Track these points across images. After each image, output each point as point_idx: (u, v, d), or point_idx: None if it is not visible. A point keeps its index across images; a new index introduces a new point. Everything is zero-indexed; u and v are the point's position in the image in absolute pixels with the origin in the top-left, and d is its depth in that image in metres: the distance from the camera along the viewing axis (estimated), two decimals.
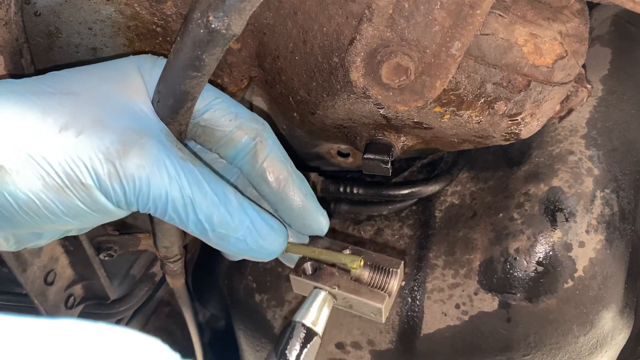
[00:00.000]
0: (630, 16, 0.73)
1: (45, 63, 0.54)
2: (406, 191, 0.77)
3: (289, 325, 0.47)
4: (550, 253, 0.65)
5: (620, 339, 0.70)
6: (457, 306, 0.70)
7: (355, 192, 0.78)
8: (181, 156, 0.42)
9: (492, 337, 0.68)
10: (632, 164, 0.69)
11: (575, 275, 0.65)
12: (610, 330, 0.68)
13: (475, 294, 0.69)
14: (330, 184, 0.78)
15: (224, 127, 0.48)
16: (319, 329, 0.47)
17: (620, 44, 0.73)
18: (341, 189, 0.78)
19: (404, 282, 0.52)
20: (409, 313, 0.72)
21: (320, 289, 0.49)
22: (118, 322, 0.86)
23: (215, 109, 0.48)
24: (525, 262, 0.66)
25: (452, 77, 0.47)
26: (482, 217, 0.72)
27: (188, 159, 0.42)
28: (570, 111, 0.62)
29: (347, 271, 0.50)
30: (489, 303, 0.68)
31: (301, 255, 0.51)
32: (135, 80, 0.45)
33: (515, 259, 0.67)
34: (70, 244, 0.68)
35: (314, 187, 0.79)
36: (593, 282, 0.65)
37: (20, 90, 0.40)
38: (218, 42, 0.39)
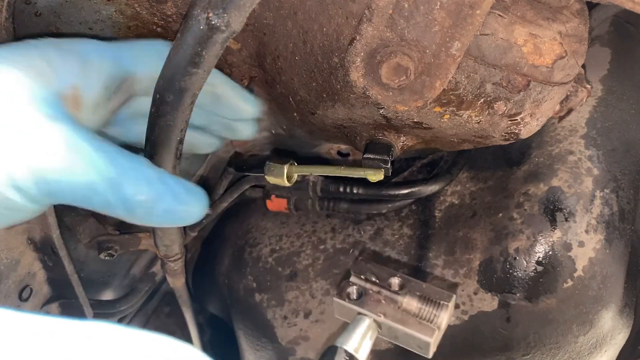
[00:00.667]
0: (630, 16, 0.73)
1: None
2: (406, 191, 0.77)
3: (330, 349, 0.44)
4: (550, 253, 0.66)
5: (619, 339, 0.70)
6: (457, 306, 0.70)
7: (355, 191, 0.78)
8: (91, 135, 0.37)
9: (491, 336, 0.68)
10: (632, 164, 0.69)
11: (575, 275, 0.65)
12: (610, 329, 0.68)
13: (475, 293, 0.69)
14: (330, 184, 0.79)
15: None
16: (361, 357, 0.44)
17: (620, 44, 0.73)
18: (341, 189, 0.78)
19: (454, 318, 0.50)
20: None
21: (365, 315, 0.47)
22: (119, 321, 0.87)
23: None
24: (524, 262, 0.66)
25: (452, 77, 0.47)
26: (482, 217, 0.72)
27: (97, 137, 0.38)
28: (569, 111, 0.62)
29: (395, 301, 0.47)
30: (488, 303, 0.68)
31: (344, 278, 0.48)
32: (35, 63, 0.38)
33: (514, 258, 0.67)
34: (49, 259, 0.64)
35: (314, 187, 0.79)
36: (593, 282, 0.65)
37: None
38: (218, 39, 0.39)
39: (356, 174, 0.47)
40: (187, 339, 0.95)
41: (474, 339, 0.69)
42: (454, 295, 0.48)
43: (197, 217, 0.43)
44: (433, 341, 0.46)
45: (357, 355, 0.44)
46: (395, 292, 0.49)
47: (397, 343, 0.48)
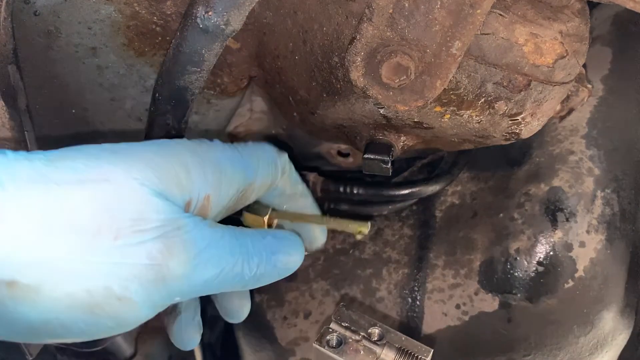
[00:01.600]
0: (631, 16, 0.73)
1: (44, 63, 0.54)
2: (406, 191, 0.76)
3: None
4: (551, 253, 0.65)
5: (620, 339, 0.70)
6: (458, 306, 0.70)
7: (355, 192, 0.78)
8: (211, 224, 0.39)
9: (492, 337, 0.68)
10: (633, 164, 0.69)
11: (576, 275, 0.65)
12: (611, 330, 0.68)
13: (476, 294, 0.69)
14: (330, 184, 0.78)
15: (290, 190, 0.49)
16: None
17: (621, 43, 0.72)
18: (341, 189, 0.78)
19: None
20: (409, 313, 0.72)
21: None
22: None
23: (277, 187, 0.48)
24: (525, 262, 0.66)
25: (453, 76, 0.47)
26: (483, 217, 0.72)
27: (218, 228, 0.40)
28: (570, 111, 0.62)
29: (373, 352, 0.48)
30: (489, 303, 0.68)
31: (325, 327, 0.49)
32: (177, 170, 0.39)
33: (515, 259, 0.67)
34: None
35: (313, 187, 0.79)
36: (594, 282, 0.65)
37: (39, 178, 0.33)
38: (217, 38, 0.39)
39: (340, 228, 0.47)
40: None
41: (475, 340, 0.69)
42: (432, 350, 0.48)
43: (298, 264, 0.45)
44: None
45: None
46: (374, 343, 0.49)
47: None
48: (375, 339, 0.49)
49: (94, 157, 0.36)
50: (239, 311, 0.51)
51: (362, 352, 0.47)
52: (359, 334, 0.49)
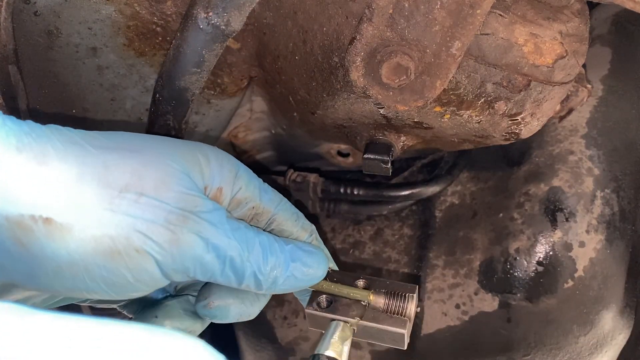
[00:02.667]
0: (631, 16, 0.73)
1: (44, 63, 0.54)
2: (406, 192, 0.76)
3: (313, 357, 0.46)
4: (551, 253, 0.65)
5: (620, 339, 0.70)
6: (457, 306, 0.70)
7: (355, 193, 0.78)
8: (229, 215, 0.42)
9: (492, 337, 0.68)
10: (633, 164, 0.69)
11: (576, 275, 0.65)
12: (611, 330, 0.68)
13: (476, 294, 0.69)
14: (331, 185, 0.78)
15: (291, 228, 0.49)
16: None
17: (621, 43, 0.72)
18: (341, 190, 0.78)
19: (419, 309, 0.51)
20: None
21: (339, 320, 0.48)
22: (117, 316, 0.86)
23: (281, 213, 0.48)
24: (525, 262, 0.66)
25: (452, 76, 0.47)
26: (483, 217, 0.72)
27: (234, 220, 0.43)
28: (570, 111, 0.62)
29: (363, 302, 0.49)
30: (489, 303, 0.68)
31: (312, 290, 0.50)
32: (200, 158, 0.43)
33: (515, 259, 0.67)
34: None
35: (314, 188, 0.79)
36: (593, 282, 0.65)
37: (81, 142, 0.38)
38: (218, 38, 0.39)
39: (345, 294, 0.49)
40: None
41: (475, 340, 0.69)
42: (417, 286, 0.50)
43: (319, 278, 0.47)
44: (406, 332, 0.48)
45: (340, 359, 0.46)
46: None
47: (372, 341, 0.50)
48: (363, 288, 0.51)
49: (126, 136, 0.41)
50: (245, 316, 0.51)
51: (352, 305, 0.49)
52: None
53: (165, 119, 0.49)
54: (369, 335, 0.49)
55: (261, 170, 0.85)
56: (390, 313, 0.49)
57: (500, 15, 0.46)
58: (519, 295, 0.66)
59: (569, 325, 0.66)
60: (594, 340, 0.68)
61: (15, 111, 0.52)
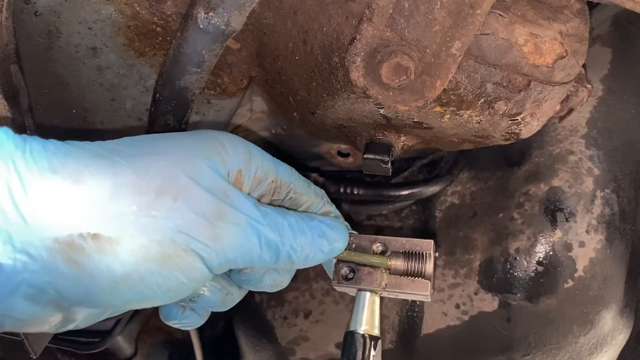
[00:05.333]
0: (631, 16, 0.73)
1: (44, 63, 0.54)
2: (406, 192, 0.76)
3: (348, 336, 0.49)
4: (551, 253, 0.65)
5: (620, 339, 0.70)
6: (457, 306, 0.70)
7: (355, 192, 0.78)
8: (256, 203, 0.44)
9: (492, 337, 0.68)
10: (633, 164, 0.69)
11: (576, 275, 0.65)
12: (611, 330, 0.68)
13: (476, 294, 0.69)
14: (331, 185, 0.78)
15: (306, 195, 0.52)
16: (377, 331, 0.50)
17: (621, 43, 0.72)
18: (341, 190, 0.78)
19: (437, 254, 0.53)
20: (409, 313, 0.72)
21: (365, 290, 0.51)
22: (117, 322, 0.86)
23: (295, 182, 0.51)
24: (525, 262, 0.66)
25: (452, 76, 0.47)
26: (482, 217, 0.72)
27: (262, 205, 0.45)
28: (570, 111, 0.62)
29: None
30: (489, 303, 0.68)
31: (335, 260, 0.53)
32: (216, 146, 0.44)
33: (515, 258, 0.67)
34: None
35: None
36: (593, 282, 0.65)
37: (106, 154, 0.38)
38: (218, 38, 0.39)
39: (365, 261, 0.52)
40: (187, 339, 0.95)
41: (474, 339, 0.69)
42: (432, 241, 0.52)
43: (342, 249, 0.50)
44: (429, 294, 0.51)
45: (374, 332, 0.49)
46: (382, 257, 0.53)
47: (399, 298, 0.53)
48: (380, 253, 0.53)
49: (144, 140, 0.42)
50: (277, 285, 0.53)
51: (374, 272, 0.51)
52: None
53: (165, 119, 0.49)
54: (394, 296, 0.53)
55: None
56: (410, 275, 0.51)
57: (500, 15, 0.46)
58: (519, 295, 0.66)
59: (569, 325, 0.66)
60: (594, 340, 0.68)
61: (17, 110, 0.52)
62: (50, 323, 0.38)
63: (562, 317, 0.66)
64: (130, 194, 0.37)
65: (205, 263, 0.40)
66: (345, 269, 0.52)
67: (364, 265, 0.51)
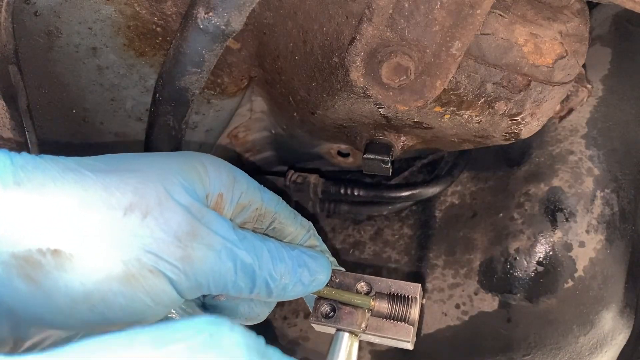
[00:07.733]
0: (631, 16, 0.73)
1: (44, 63, 0.54)
2: (406, 193, 0.76)
3: None
4: (551, 253, 0.65)
5: (620, 339, 0.70)
6: (457, 306, 0.70)
7: (355, 193, 0.78)
8: (234, 226, 0.42)
9: (492, 337, 0.68)
10: (633, 164, 0.69)
11: (576, 275, 0.65)
12: (611, 330, 0.68)
13: (476, 294, 0.69)
14: (331, 186, 0.78)
15: (291, 226, 0.49)
16: None
17: (621, 43, 0.72)
18: (341, 191, 0.78)
19: (424, 300, 0.50)
20: None
21: (343, 330, 0.48)
22: None
23: (280, 211, 0.48)
24: (525, 262, 0.66)
25: (452, 76, 0.47)
26: (482, 217, 0.72)
27: (239, 229, 0.42)
28: (570, 111, 0.62)
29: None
30: (489, 303, 0.68)
31: (315, 296, 0.50)
32: (197, 167, 0.42)
33: (515, 259, 0.67)
34: None
35: (314, 189, 0.79)
36: (593, 282, 0.65)
37: (77, 168, 0.37)
38: (218, 38, 0.39)
39: (347, 300, 0.49)
40: None
41: (474, 339, 0.69)
42: (419, 285, 0.50)
43: (324, 283, 0.47)
44: (411, 340, 0.48)
45: None
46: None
47: (379, 343, 0.50)
48: (365, 292, 0.50)
49: (121, 157, 0.40)
50: (254, 317, 0.51)
51: (355, 312, 0.48)
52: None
53: (165, 119, 0.49)
54: (374, 340, 0.49)
55: (261, 170, 0.85)
56: (393, 318, 0.48)
57: (500, 15, 0.46)
58: (519, 295, 0.66)
59: (569, 325, 0.66)
60: (594, 340, 0.68)
61: (15, 111, 0.52)
62: (1, 344, 0.36)
63: (562, 317, 0.66)
64: (97, 210, 0.35)
65: (174, 286, 0.37)
66: (326, 306, 0.49)
67: (346, 304, 0.49)
